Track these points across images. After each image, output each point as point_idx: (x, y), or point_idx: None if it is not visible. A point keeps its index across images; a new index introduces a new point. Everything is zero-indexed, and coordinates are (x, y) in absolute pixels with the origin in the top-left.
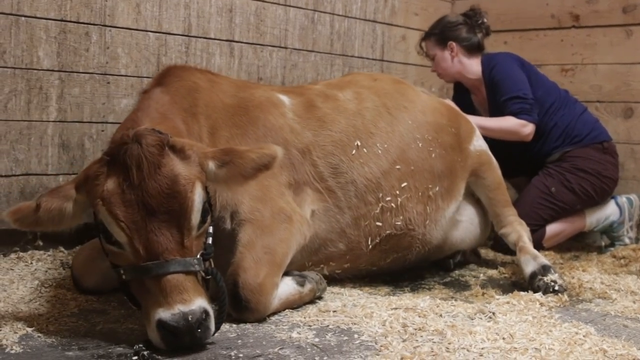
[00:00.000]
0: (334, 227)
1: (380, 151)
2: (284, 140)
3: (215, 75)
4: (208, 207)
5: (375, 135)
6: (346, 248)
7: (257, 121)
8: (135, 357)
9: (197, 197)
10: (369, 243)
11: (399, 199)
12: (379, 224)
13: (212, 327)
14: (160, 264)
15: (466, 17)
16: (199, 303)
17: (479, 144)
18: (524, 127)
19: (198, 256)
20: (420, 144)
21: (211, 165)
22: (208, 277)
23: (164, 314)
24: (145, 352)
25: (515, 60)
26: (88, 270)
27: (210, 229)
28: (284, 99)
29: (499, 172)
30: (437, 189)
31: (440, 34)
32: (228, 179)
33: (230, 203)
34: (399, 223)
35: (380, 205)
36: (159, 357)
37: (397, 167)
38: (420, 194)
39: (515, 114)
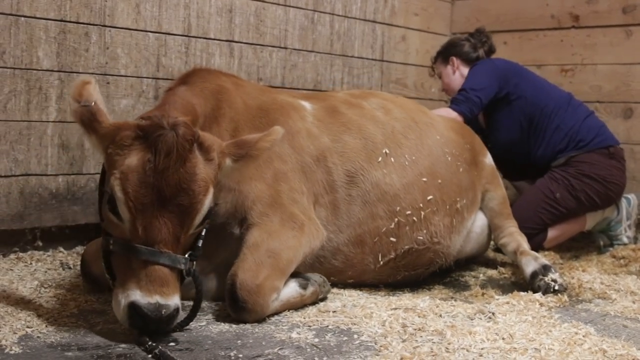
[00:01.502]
0: (325, 245)
1: (407, 163)
2: (299, 146)
3: (239, 79)
4: (212, 214)
5: (404, 146)
6: (343, 265)
7: (276, 123)
8: (150, 356)
9: (207, 201)
10: (380, 260)
11: (423, 213)
12: (393, 239)
13: (176, 323)
14: (153, 252)
15: (470, 36)
16: (175, 300)
17: (489, 159)
18: (449, 115)
19: (186, 255)
20: (449, 158)
21: (228, 161)
22: (187, 277)
23: (141, 298)
24: (157, 350)
25: (495, 65)
26: (98, 259)
27: (204, 232)
28: (306, 104)
29: (503, 186)
30: (465, 201)
31: (444, 51)
32: (241, 169)
33: (240, 209)
34: (421, 237)
35: (396, 219)
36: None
37: (424, 179)
38: (447, 207)
39: (450, 104)
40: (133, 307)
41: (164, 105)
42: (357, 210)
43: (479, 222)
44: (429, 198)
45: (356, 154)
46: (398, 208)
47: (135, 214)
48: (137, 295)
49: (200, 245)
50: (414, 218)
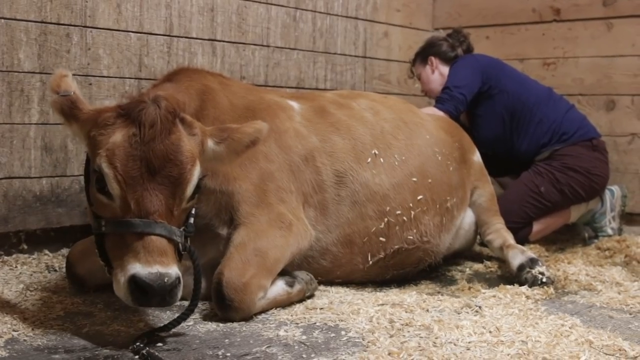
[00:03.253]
0: (313, 245)
1: (397, 163)
2: (286, 145)
3: (226, 78)
4: (200, 186)
5: (393, 147)
6: (332, 265)
7: None
8: (137, 357)
9: (196, 172)
10: (369, 259)
11: (413, 212)
12: (382, 239)
13: (180, 295)
14: (148, 222)
15: (448, 36)
16: (176, 269)
17: (478, 156)
18: (435, 114)
19: (180, 229)
20: (439, 158)
21: (210, 142)
22: (183, 252)
23: (141, 269)
24: (144, 351)
25: (476, 60)
26: (82, 259)
27: (193, 211)
28: (294, 104)
29: (491, 182)
30: (455, 200)
31: (422, 52)
32: (224, 156)
33: (225, 210)
34: (411, 237)
35: (385, 219)
36: (158, 354)
37: (414, 179)
38: (438, 206)
39: (436, 104)
40: (134, 280)
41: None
42: (346, 211)
43: (467, 219)
44: (419, 198)
45: (345, 154)
46: (388, 208)
47: (125, 188)
48: (137, 268)
49: (192, 222)
50: (404, 218)
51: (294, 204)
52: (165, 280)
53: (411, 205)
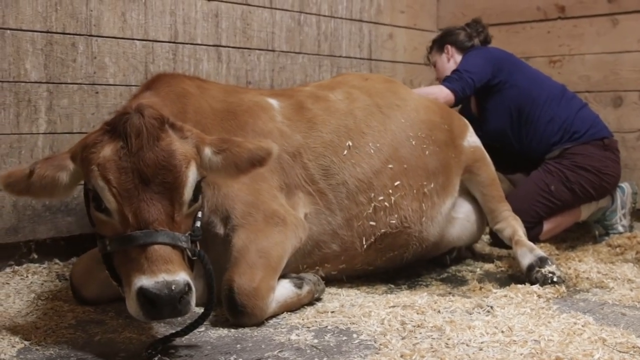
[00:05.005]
0: (326, 229)
1: (372, 150)
2: None
3: (204, 81)
4: (201, 187)
5: (367, 135)
6: (340, 249)
7: (246, 126)
8: None
9: (192, 173)
10: (364, 243)
11: (393, 198)
12: (372, 223)
13: (193, 303)
14: (148, 232)
15: (467, 25)
16: (184, 276)
17: (472, 139)
18: (442, 91)
19: (186, 234)
20: (413, 142)
21: (207, 151)
22: (194, 258)
23: (146, 281)
24: (156, 358)
25: (489, 52)
26: (87, 280)
27: (200, 214)
28: (273, 102)
29: (492, 168)
30: (432, 185)
31: (439, 40)
32: (223, 168)
33: (221, 208)
34: (393, 222)
35: (372, 205)
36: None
37: (390, 166)
38: (415, 191)
39: (442, 81)
40: (141, 293)
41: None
42: (343, 197)
43: (462, 207)
44: (396, 184)
45: (325, 148)
46: (372, 194)
47: (121, 201)
48: (143, 280)
49: (198, 226)
50: (386, 203)
51: (284, 199)
52: (173, 288)
53: (391, 191)
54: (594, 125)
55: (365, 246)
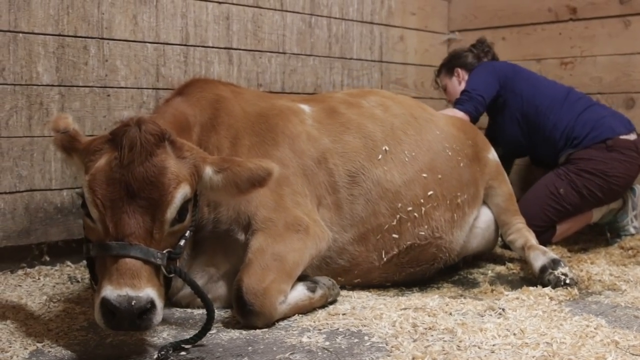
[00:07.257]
0: (331, 246)
1: (407, 159)
2: (299, 150)
3: (237, 87)
4: (191, 209)
5: (404, 143)
6: (349, 264)
7: (276, 128)
8: None
9: (180, 194)
10: (383, 257)
11: (424, 208)
12: (395, 235)
13: (156, 319)
14: (123, 245)
15: (472, 47)
16: (148, 292)
17: (493, 155)
18: (456, 115)
19: (164, 252)
20: (449, 153)
21: (208, 170)
22: (171, 275)
23: (110, 292)
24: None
25: (492, 66)
26: None
27: (188, 234)
28: (304, 107)
29: (509, 183)
30: (465, 196)
31: (447, 63)
32: (223, 188)
33: (243, 215)
34: (422, 233)
35: (397, 216)
36: None
37: (424, 175)
38: (448, 202)
39: (454, 105)
40: (104, 302)
41: (154, 115)
42: (360, 209)
43: (483, 217)
44: (429, 193)
45: (356, 153)
46: (399, 205)
47: (104, 212)
48: (108, 290)
49: (182, 244)
50: (415, 214)
51: (309, 206)
52: (133, 304)
53: (422, 201)
54: (596, 127)
55: (385, 260)
